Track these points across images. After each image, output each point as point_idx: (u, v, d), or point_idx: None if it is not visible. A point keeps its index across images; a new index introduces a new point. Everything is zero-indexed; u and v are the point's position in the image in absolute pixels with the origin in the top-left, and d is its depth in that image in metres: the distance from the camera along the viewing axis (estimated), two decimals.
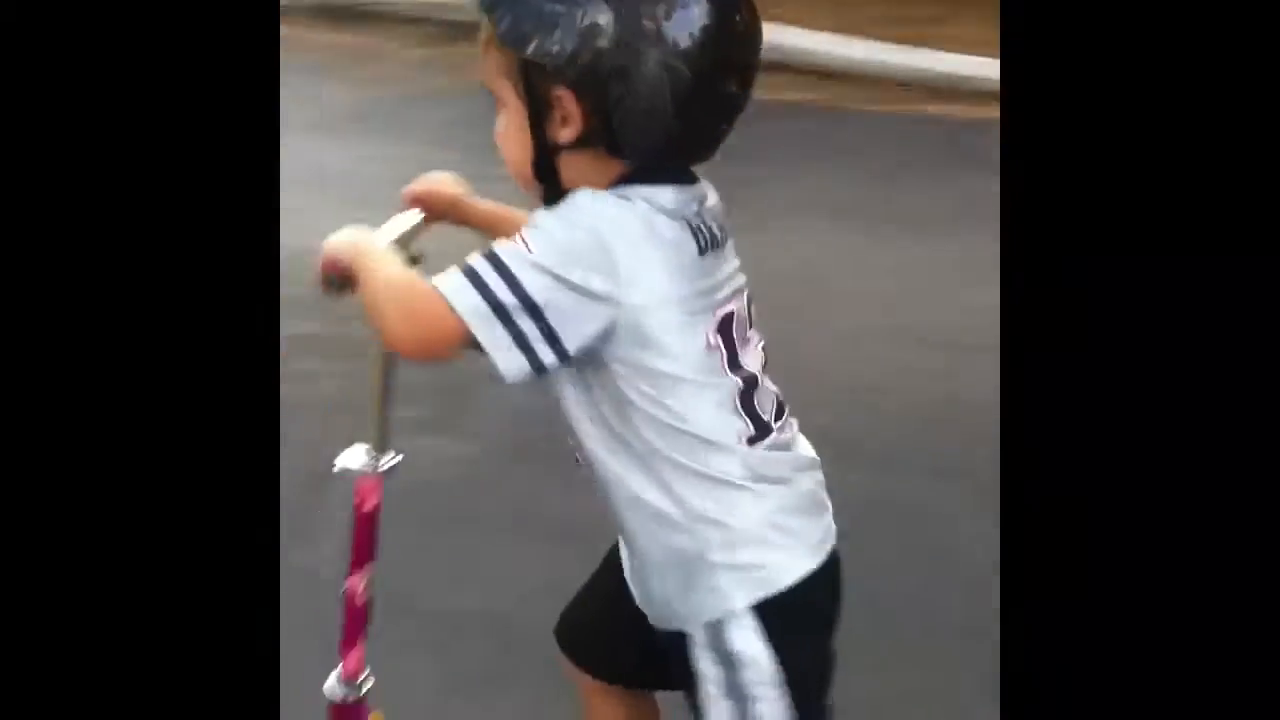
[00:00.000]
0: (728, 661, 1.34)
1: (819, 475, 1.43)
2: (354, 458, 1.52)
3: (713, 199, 1.38)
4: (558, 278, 1.24)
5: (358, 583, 1.55)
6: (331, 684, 1.57)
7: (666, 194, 1.31)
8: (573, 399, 1.34)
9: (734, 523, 1.33)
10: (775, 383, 1.41)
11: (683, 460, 1.32)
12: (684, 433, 1.31)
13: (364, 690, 1.58)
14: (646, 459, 1.32)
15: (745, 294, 1.39)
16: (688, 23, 1.25)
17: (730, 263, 1.38)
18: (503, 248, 1.26)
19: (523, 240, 1.26)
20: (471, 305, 1.23)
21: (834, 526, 1.41)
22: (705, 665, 1.35)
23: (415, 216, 1.51)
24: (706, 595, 1.34)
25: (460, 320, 1.24)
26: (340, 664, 1.57)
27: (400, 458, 1.53)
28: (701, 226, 1.33)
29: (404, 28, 6.49)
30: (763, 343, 1.41)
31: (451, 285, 1.25)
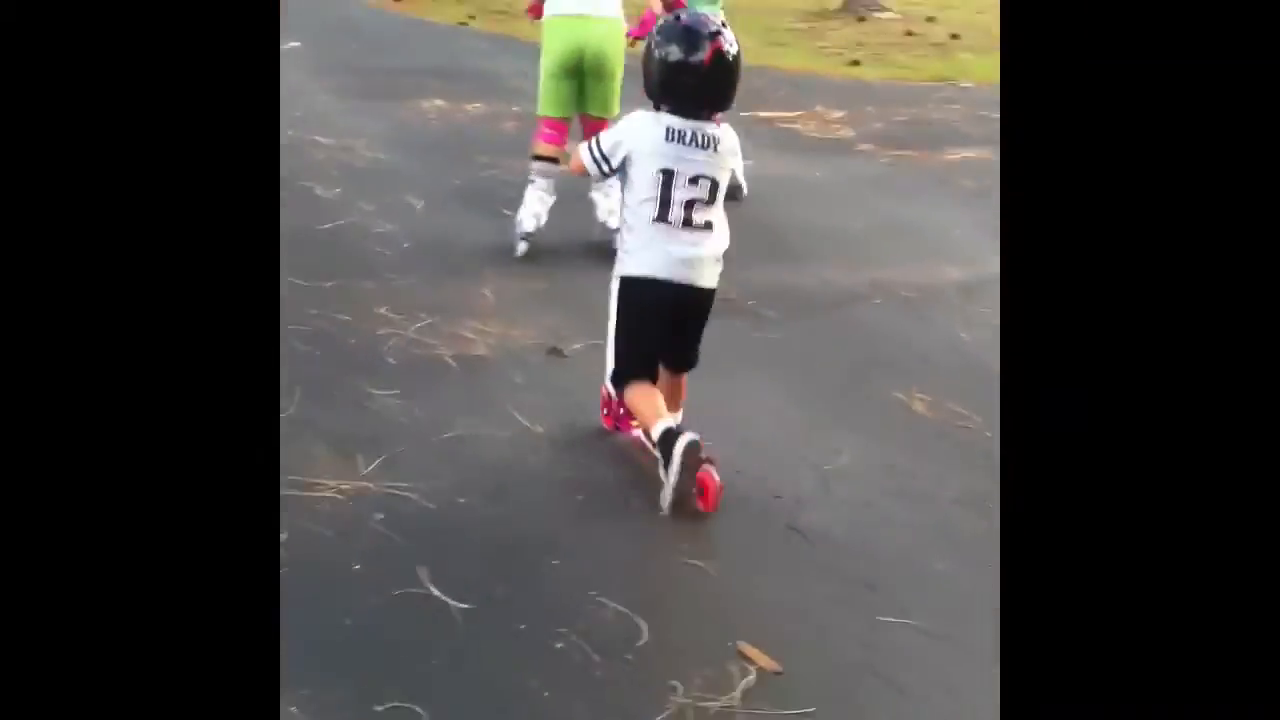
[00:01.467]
0: (611, 289, 3.38)
1: (687, 255, 3.22)
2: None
3: (708, 130, 3.20)
4: (615, 142, 3.26)
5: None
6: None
7: (669, 118, 3.19)
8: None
9: (629, 242, 3.27)
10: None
11: (628, 211, 3.27)
12: (628, 202, 3.26)
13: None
14: (622, 206, 3.34)
15: (700, 175, 3.19)
16: (667, 55, 3.18)
17: (694, 156, 3.17)
18: (602, 132, 3.43)
19: (610, 128, 3.45)
20: (584, 152, 3.34)
21: (688, 274, 3.24)
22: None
23: None
24: (618, 264, 3.33)
25: (580, 158, 3.36)
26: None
27: None
28: (675, 131, 3.17)
29: None
30: (705, 199, 3.21)
31: (582, 147, 3.38)
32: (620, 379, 3.29)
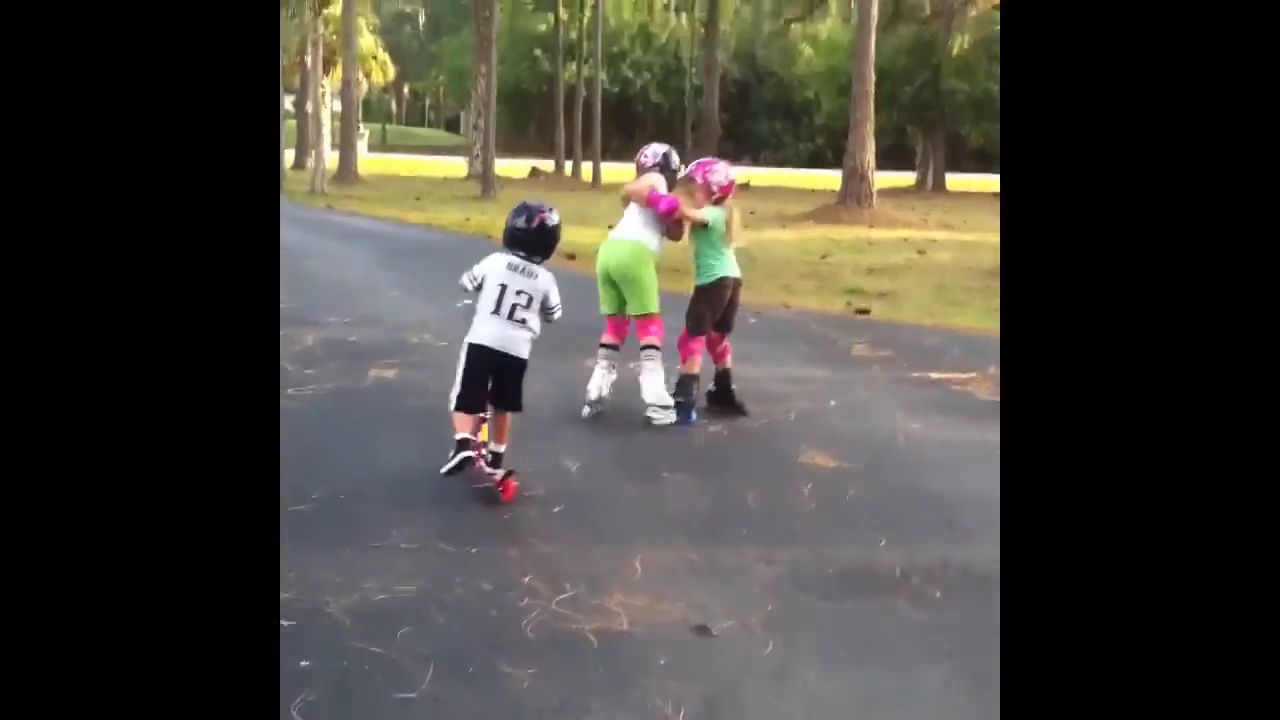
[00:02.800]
0: (460, 352, 5.46)
1: (510, 334, 5.39)
2: None
3: (532, 266, 5.51)
4: (480, 270, 5.51)
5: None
6: None
7: (510, 257, 5.51)
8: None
9: (476, 323, 5.46)
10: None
11: (480, 305, 5.47)
12: (480, 300, 5.48)
13: None
14: (477, 304, 5.54)
15: (521, 290, 5.44)
16: (515, 222, 5.56)
17: (520, 279, 5.45)
18: (476, 266, 5.62)
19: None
20: (464, 278, 5.56)
21: (508, 346, 5.39)
22: None
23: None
24: (468, 335, 5.46)
25: (462, 280, 5.58)
26: None
27: None
28: (513, 265, 5.48)
29: None
30: (524, 305, 5.42)
31: (464, 275, 5.58)
32: (460, 405, 5.29)
